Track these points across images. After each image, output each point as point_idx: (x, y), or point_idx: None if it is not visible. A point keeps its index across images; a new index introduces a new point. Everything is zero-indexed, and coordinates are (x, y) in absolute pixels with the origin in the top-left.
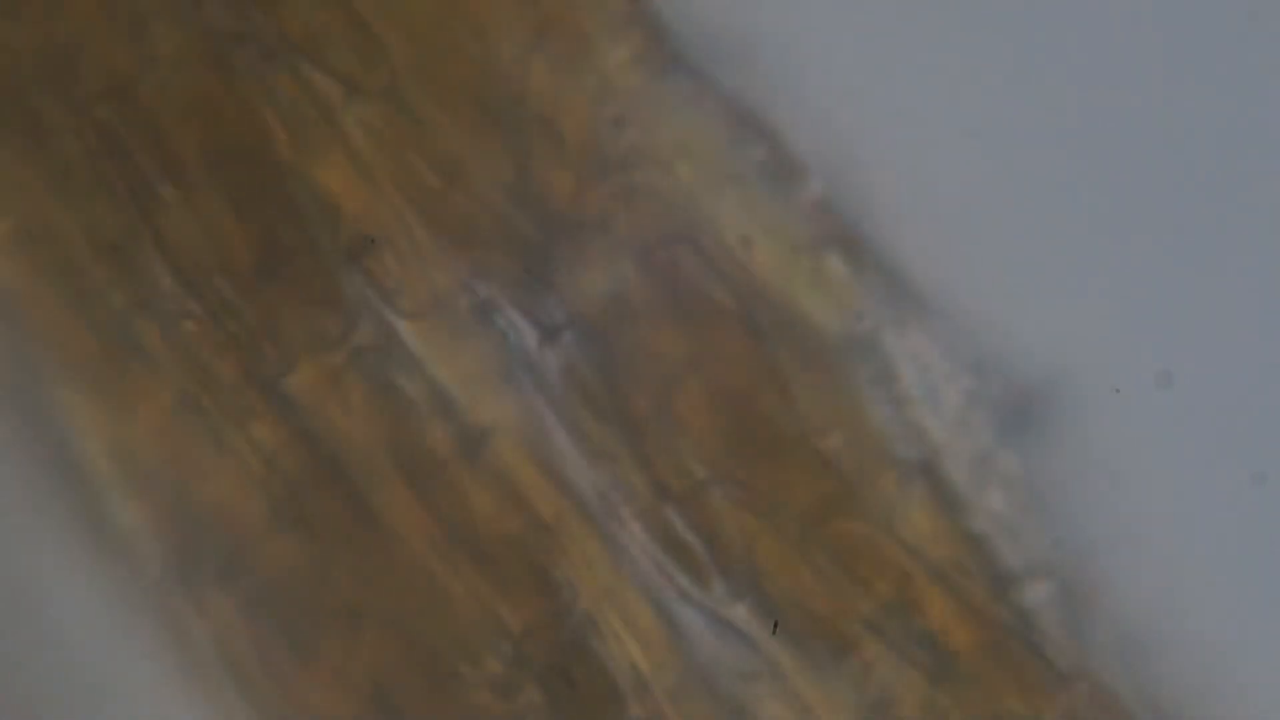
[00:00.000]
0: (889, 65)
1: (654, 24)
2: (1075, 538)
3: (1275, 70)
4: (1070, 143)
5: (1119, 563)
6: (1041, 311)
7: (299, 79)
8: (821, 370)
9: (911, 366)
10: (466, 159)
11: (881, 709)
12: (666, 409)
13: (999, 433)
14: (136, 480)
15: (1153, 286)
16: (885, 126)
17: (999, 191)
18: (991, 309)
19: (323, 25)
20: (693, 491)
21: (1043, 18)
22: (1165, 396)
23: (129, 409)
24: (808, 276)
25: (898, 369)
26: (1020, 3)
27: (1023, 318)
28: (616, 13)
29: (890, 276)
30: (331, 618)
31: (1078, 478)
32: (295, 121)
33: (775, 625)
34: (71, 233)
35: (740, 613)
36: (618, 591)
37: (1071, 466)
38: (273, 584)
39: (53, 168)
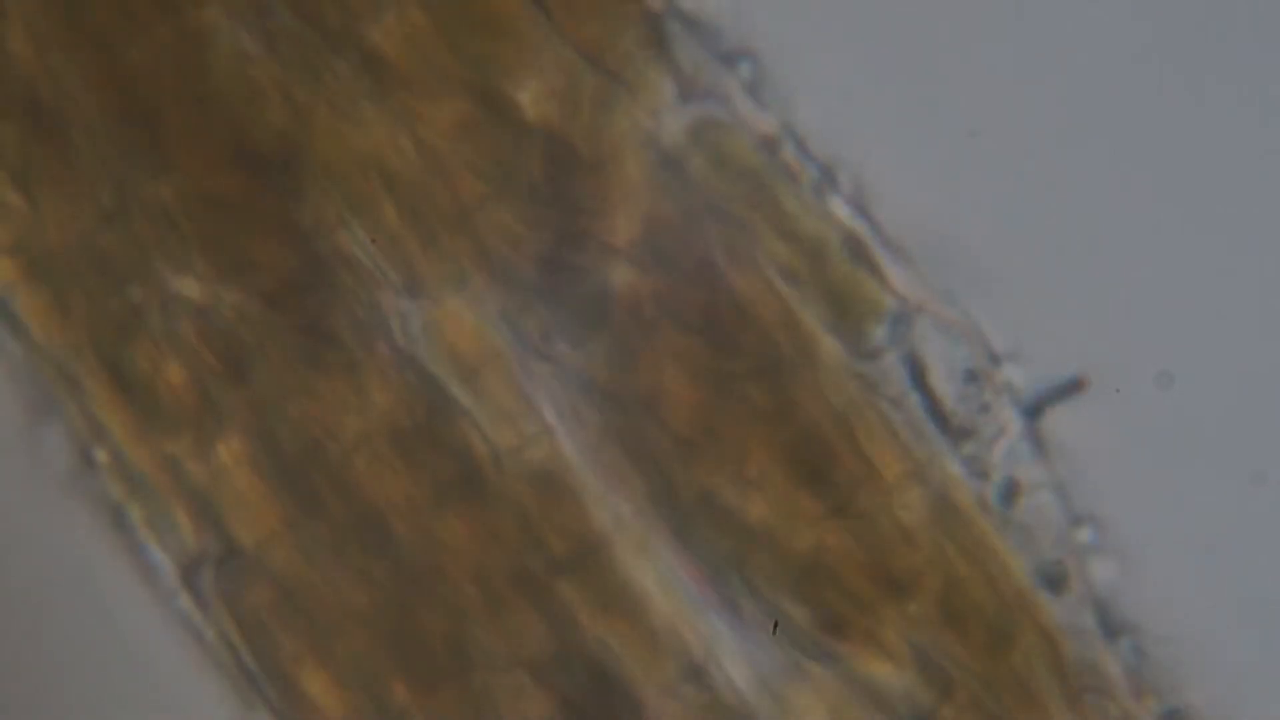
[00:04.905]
0: (892, 64)
1: (658, 24)
2: (1078, 537)
3: (1276, 71)
4: (1071, 142)
5: (1121, 562)
6: (1043, 311)
7: (309, 79)
8: (826, 370)
9: (915, 366)
10: (476, 161)
11: (889, 711)
12: (674, 409)
13: (1004, 432)
14: (146, 479)
15: (1153, 286)
16: (888, 126)
17: (1001, 191)
18: (995, 309)
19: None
20: (702, 490)
21: (1041, 17)
22: (1165, 396)
23: (137, 408)
24: (814, 276)
25: (902, 369)
26: (1020, 2)
27: (1025, 318)
28: (622, 15)
29: (895, 276)
30: (340, 618)
31: (1080, 478)
32: (303, 117)
33: (775, 625)
34: (78, 234)
35: (753, 616)
36: (630, 597)
37: (1074, 466)
38: (283, 584)
39: (55, 167)
